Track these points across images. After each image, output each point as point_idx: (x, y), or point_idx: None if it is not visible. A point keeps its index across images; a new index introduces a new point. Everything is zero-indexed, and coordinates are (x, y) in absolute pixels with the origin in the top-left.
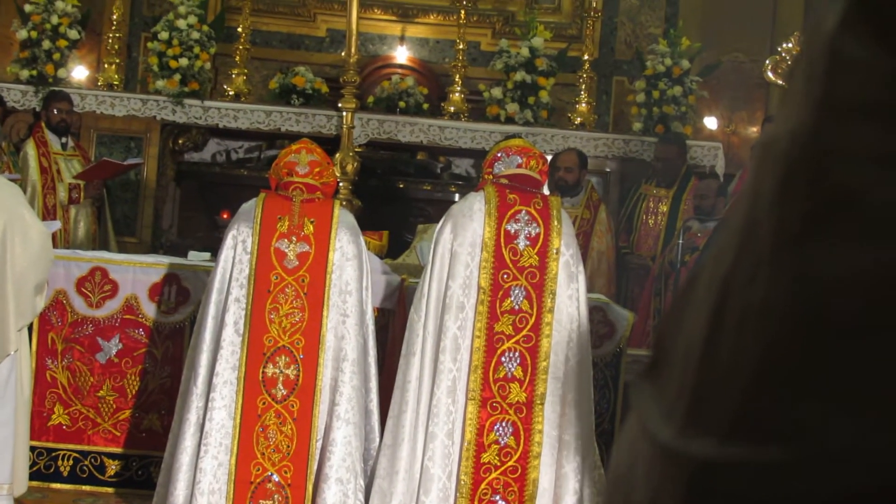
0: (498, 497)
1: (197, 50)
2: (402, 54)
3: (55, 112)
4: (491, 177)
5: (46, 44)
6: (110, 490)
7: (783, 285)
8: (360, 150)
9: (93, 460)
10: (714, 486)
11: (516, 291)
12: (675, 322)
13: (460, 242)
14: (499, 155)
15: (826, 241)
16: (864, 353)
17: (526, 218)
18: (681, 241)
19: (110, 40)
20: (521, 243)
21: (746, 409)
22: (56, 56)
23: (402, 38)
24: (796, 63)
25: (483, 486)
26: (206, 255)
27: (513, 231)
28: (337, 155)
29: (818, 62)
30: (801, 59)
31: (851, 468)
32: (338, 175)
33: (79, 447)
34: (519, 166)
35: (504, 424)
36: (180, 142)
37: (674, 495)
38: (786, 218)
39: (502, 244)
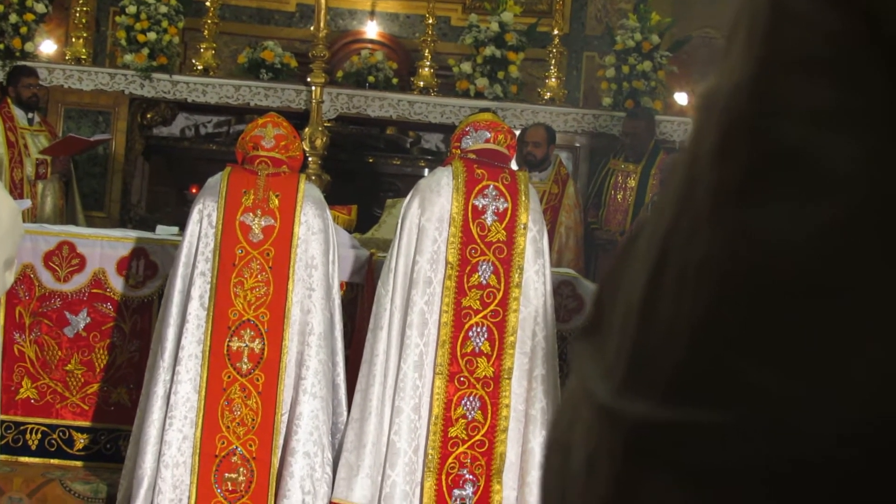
0: (465, 471)
1: (165, 24)
2: (372, 29)
3: (27, 87)
4: (459, 151)
5: (13, 17)
6: (79, 464)
7: (722, 244)
8: (329, 124)
9: (61, 434)
10: (651, 448)
11: (484, 266)
12: (615, 281)
13: (428, 217)
14: (467, 129)
15: (765, 199)
16: (804, 313)
17: (494, 193)
18: None
19: (78, 14)
20: (489, 218)
21: (684, 370)
22: (23, 30)
23: (372, 13)
24: (739, 15)
25: (450, 459)
26: (174, 229)
27: (480, 206)
28: (306, 129)
29: (760, 15)
30: (744, 11)
31: (790, 433)
32: (307, 150)
33: (47, 421)
34: (487, 141)
35: (471, 399)
36: (149, 116)
37: (611, 456)
38: (725, 175)
39: (470, 219)
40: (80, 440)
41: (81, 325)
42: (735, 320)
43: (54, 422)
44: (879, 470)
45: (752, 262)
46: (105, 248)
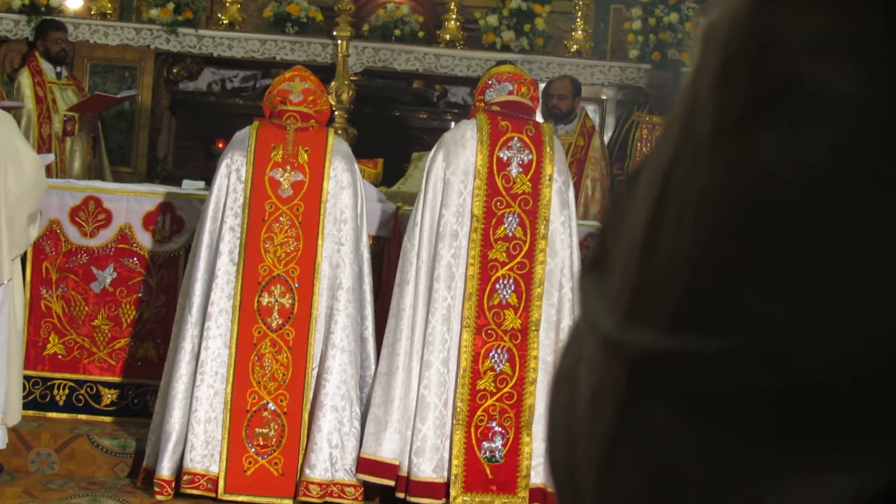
0: (494, 423)
1: None
2: None
3: (55, 41)
4: (482, 104)
5: None
6: (107, 419)
7: (723, 174)
8: (355, 78)
9: (88, 389)
10: (655, 377)
11: (510, 218)
12: (618, 216)
13: (453, 171)
14: (489, 82)
15: (766, 128)
16: (802, 241)
17: (518, 145)
18: None
19: None
20: (514, 170)
21: (685, 299)
22: None
23: None
24: None
25: (479, 412)
26: (201, 183)
27: (505, 158)
28: (332, 83)
29: None
30: None
31: (792, 359)
32: (333, 104)
33: (74, 376)
34: (510, 93)
35: (499, 351)
36: (175, 71)
37: (615, 386)
38: (725, 105)
39: (495, 171)
40: (108, 395)
41: (108, 281)
42: (735, 249)
43: (82, 377)
44: (870, 395)
45: (752, 191)
46: (131, 202)
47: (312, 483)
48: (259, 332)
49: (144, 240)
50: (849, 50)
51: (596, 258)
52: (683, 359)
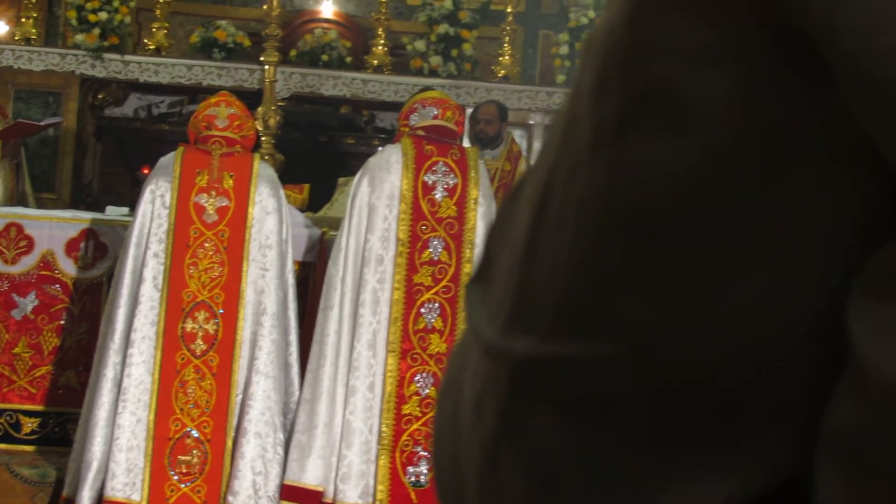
0: (420, 448)
1: (116, 3)
2: (327, 8)
3: None
4: (407, 129)
5: None
6: (27, 448)
7: (599, 181)
8: (282, 103)
9: (8, 418)
10: (535, 382)
11: (435, 242)
12: (503, 225)
13: (378, 195)
14: (415, 107)
15: (640, 135)
16: (679, 248)
17: (443, 169)
18: None
19: None
20: (439, 194)
21: (565, 305)
22: None
23: None
24: None
25: (404, 437)
26: (125, 209)
27: (430, 182)
28: (259, 109)
29: None
30: None
31: (667, 365)
32: (260, 129)
33: None
34: (435, 117)
35: (425, 375)
36: (100, 97)
37: (497, 392)
38: (602, 113)
39: (420, 195)
40: (28, 424)
41: (29, 308)
42: (611, 256)
43: (1, 406)
44: (741, 400)
45: (627, 198)
46: (54, 229)
47: None
48: (183, 359)
49: (67, 266)
50: (721, 58)
51: (481, 268)
52: (562, 364)
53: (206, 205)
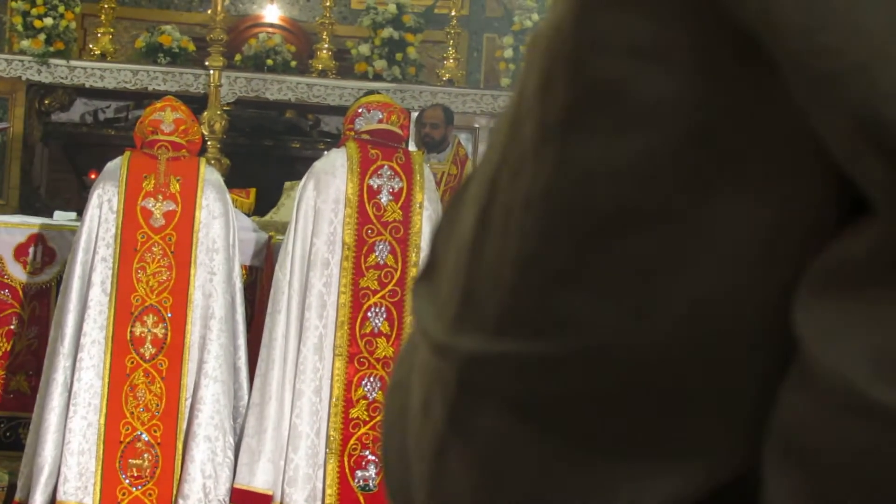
0: (368, 452)
1: (62, 9)
2: (272, 13)
3: None
4: (352, 133)
5: None
6: None
7: (544, 179)
8: (228, 108)
9: None
10: (482, 380)
11: (381, 246)
12: (449, 223)
13: (324, 199)
14: (360, 111)
15: (585, 132)
16: (622, 245)
17: (388, 173)
18: None
19: None
20: (385, 198)
21: (511, 303)
22: None
23: None
24: None
25: (352, 441)
26: (72, 214)
27: (375, 186)
28: (205, 113)
29: None
30: None
31: (610, 364)
32: (206, 133)
33: None
34: (380, 121)
35: (372, 380)
36: (46, 102)
37: (444, 390)
38: (547, 110)
39: (365, 199)
40: None
41: None
42: (556, 253)
43: None
44: (687, 400)
45: (571, 195)
46: (2, 234)
47: None
48: (132, 363)
49: (16, 271)
50: (666, 55)
51: (427, 267)
52: (509, 363)
53: (153, 209)
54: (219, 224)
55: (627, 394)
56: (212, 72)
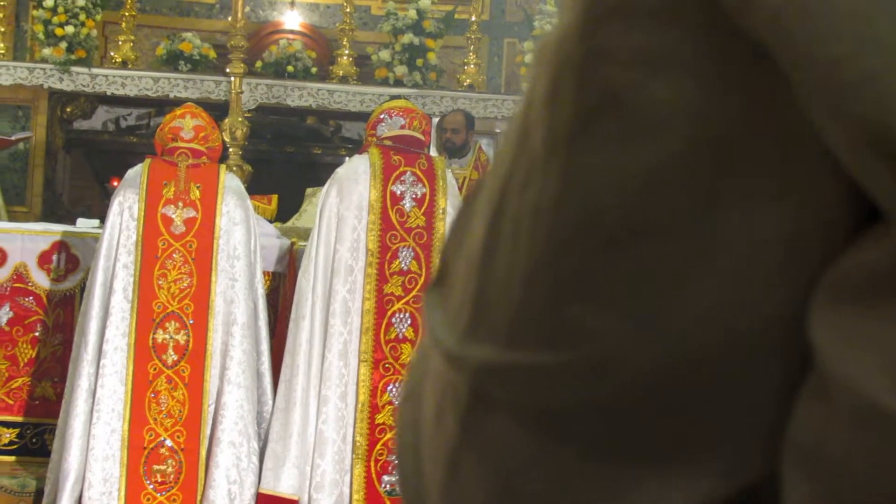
0: (394, 457)
1: (83, 17)
2: (292, 19)
3: None
4: (374, 139)
5: None
6: (6, 459)
7: (553, 189)
8: (249, 114)
9: None
10: (494, 390)
11: (404, 252)
12: (459, 233)
13: (346, 206)
14: (381, 117)
15: (593, 142)
16: (632, 254)
17: (411, 179)
18: None
19: None
20: (408, 204)
21: (522, 313)
22: None
23: (292, 3)
24: None
25: (379, 446)
26: (95, 222)
27: (398, 192)
28: (226, 120)
29: None
30: None
31: (623, 373)
32: (227, 140)
33: None
34: (402, 127)
35: (398, 385)
36: (68, 110)
37: (456, 400)
38: (555, 120)
39: (388, 206)
40: (6, 435)
41: (4, 320)
42: (566, 263)
43: None
44: (700, 408)
45: (580, 205)
46: (26, 241)
47: None
48: (154, 369)
49: (40, 279)
50: (673, 65)
51: (438, 275)
52: (521, 373)
53: (173, 216)
54: (240, 230)
55: (639, 403)
56: (233, 79)
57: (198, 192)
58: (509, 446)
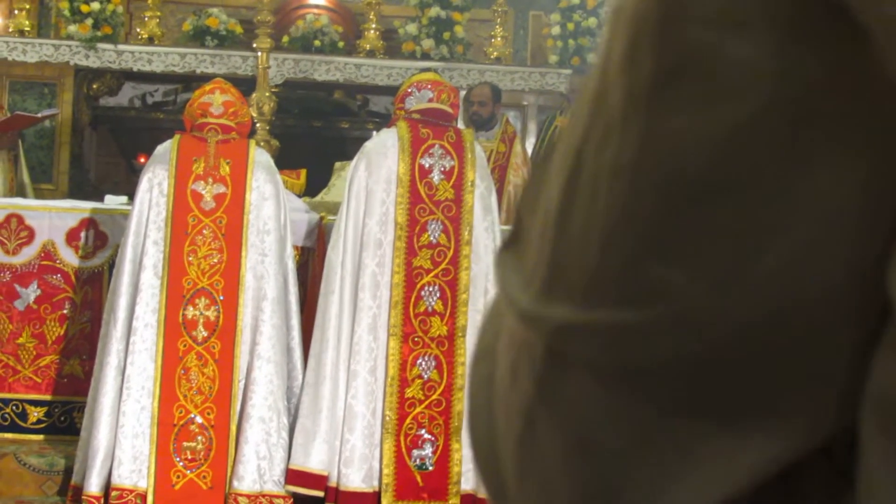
0: (423, 431)
1: None
2: None
3: None
4: (403, 112)
5: None
6: (34, 437)
7: (633, 148)
8: (276, 89)
9: (14, 408)
10: (570, 350)
11: (433, 225)
12: (534, 193)
13: (375, 179)
14: (409, 90)
15: (672, 103)
16: (709, 213)
17: (440, 152)
18: None
19: None
20: (436, 177)
21: (599, 272)
22: None
23: None
24: None
25: (408, 420)
26: (123, 198)
27: (427, 165)
28: (253, 95)
29: None
30: None
31: (703, 331)
32: (254, 115)
33: (0, 395)
34: (430, 100)
35: (427, 358)
36: (95, 87)
37: (532, 359)
38: (634, 80)
39: (417, 179)
40: (34, 413)
41: (32, 298)
42: (646, 221)
43: (7, 396)
44: (778, 367)
45: (661, 163)
46: (54, 219)
47: (241, 495)
48: (185, 346)
49: (68, 256)
50: (754, 24)
51: (512, 234)
52: (598, 331)
53: (203, 192)
54: (269, 205)
55: (716, 361)
56: (259, 54)
57: (227, 168)
58: (586, 405)
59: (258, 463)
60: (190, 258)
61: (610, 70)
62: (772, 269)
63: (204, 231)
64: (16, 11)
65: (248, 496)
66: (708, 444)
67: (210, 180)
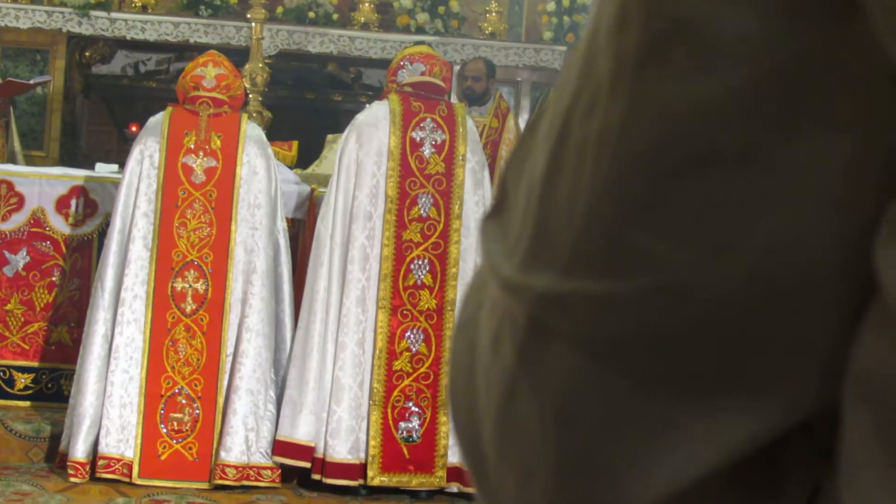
0: (411, 403)
1: None
2: None
3: None
4: (395, 85)
5: None
6: (21, 403)
7: (620, 115)
8: (269, 61)
9: (1, 374)
10: (551, 319)
11: (423, 199)
12: (519, 160)
13: (366, 152)
14: (402, 63)
15: (663, 70)
16: (702, 183)
17: (431, 125)
18: None
19: None
20: (427, 150)
21: (583, 241)
22: None
23: None
24: None
25: (396, 393)
26: (114, 167)
27: (418, 139)
28: (246, 66)
29: None
30: None
31: (689, 302)
32: (247, 87)
33: None
34: (422, 74)
35: (415, 331)
36: (87, 54)
37: (514, 328)
38: (623, 47)
39: (408, 152)
40: (21, 380)
41: (21, 265)
42: (632, 190)
43: None
44: (766, 339)
45: (649, 132)
46: (44, 186)
47: (228, 466)
48: (173, 318)
49: (58, 223)
50: None
51: (496, 203)
52: (581, 301)
53: (193, 165)
54: (260, 180)
55: (700, 333)
56: (253, 24)
57: (218, 142)
58: (567, 376)
59: (246, 434)
60: (180, 231)
61: (599, 36)
62: (756, 242)
63: (194, 204)
64: None
65: (235, 467)
66: (688, 418)
67: (201, 154)
